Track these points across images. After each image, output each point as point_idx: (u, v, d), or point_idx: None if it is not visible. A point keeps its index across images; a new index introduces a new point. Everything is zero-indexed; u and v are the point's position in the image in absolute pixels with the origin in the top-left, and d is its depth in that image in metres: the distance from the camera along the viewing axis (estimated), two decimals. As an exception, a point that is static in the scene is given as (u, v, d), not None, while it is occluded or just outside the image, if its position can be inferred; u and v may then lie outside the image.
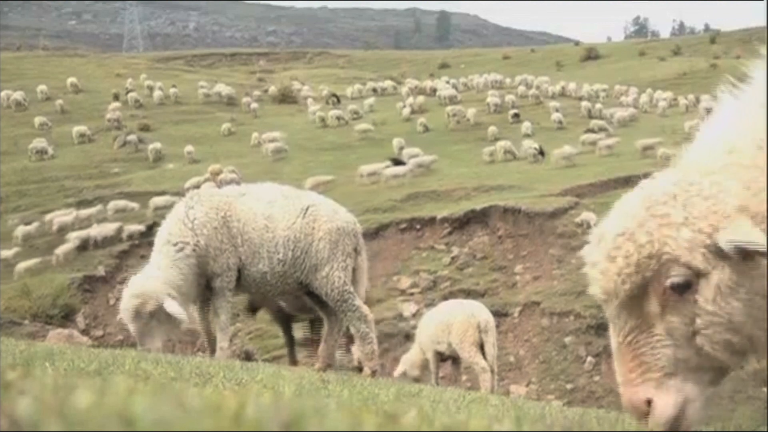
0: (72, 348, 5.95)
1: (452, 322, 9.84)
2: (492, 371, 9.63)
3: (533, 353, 20.17)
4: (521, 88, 51.79)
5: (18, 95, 47.65)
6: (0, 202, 32.75)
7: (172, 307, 6.88)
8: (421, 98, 49.81)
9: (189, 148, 37.79)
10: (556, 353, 19.88)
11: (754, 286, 2.41)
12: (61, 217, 28.93)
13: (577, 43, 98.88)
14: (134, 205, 29.60)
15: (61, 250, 25.94)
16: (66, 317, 22.59)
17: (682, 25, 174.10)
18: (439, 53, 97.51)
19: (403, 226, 25.48)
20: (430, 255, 24.47)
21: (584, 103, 45.83)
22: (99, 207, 29.66)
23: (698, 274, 2.40)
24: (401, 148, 36.38)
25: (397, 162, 33.52)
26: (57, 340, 12.72)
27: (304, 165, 35.09)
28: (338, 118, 45.03)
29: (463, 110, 43.61)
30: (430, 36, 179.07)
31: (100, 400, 1.01)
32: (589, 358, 19.42)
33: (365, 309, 7.47)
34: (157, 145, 38.81)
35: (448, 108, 44.39)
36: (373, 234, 24.12)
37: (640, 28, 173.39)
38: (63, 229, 27.98)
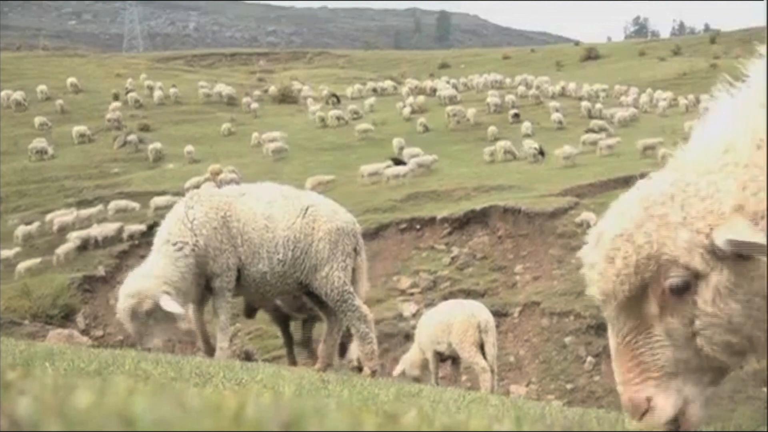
0: (72, 348, 5.95)
1: (452, 322, 9.84)
2: (492, 371, 9.63)
3: (533, 353, 20.17)
4: (521, 88, 51.77)
5: (18, 95, 47.65)
6: (0, 202, 32.75)
7: (169, 304, 6.86)
8: (421, 98, 49.81)
9: (189, 148, 37.80)
10: (556, 353, 19.88)
11: (753, 286, 2.41)
12: (61, 217, 28.94)
13: (577, 43, 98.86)
14: (135, 204, 29.61)
15: (61, 249, 25.95)
16: (66, 317, 22.60)
17: (682, 25, 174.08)
18: (439, 53, 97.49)
19: (403, 226, 25.48)
20: (430, 255, 24.47)
21: (584, 103, 45.83)
22: (99, 207, 29.66)
23: (697, 275, 2.39)
24: (401, 148, 36.38)
25: (398, 162, 33.53)
26: (57, 340, 12.73)
27: (304, 165, 35.09)
28: (338, 118, 45.04)
29: (463, 110, 43.61)
30: (430, 36, 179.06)
31: (100, 400, 1.01)
32: (589, 358, 19.42)
33: (365, 309, 7.47)
34: (157, 145, 38.82)
35: (448, 108, 44.39)
36: (373, 234, 24.12)
37: (640, 28, 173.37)
38: (63, 229, 27.99)
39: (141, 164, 37.76)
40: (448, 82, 55.92)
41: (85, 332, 20.80)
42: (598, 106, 45.96)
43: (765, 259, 2.36)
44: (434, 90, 53.13)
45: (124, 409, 0.97)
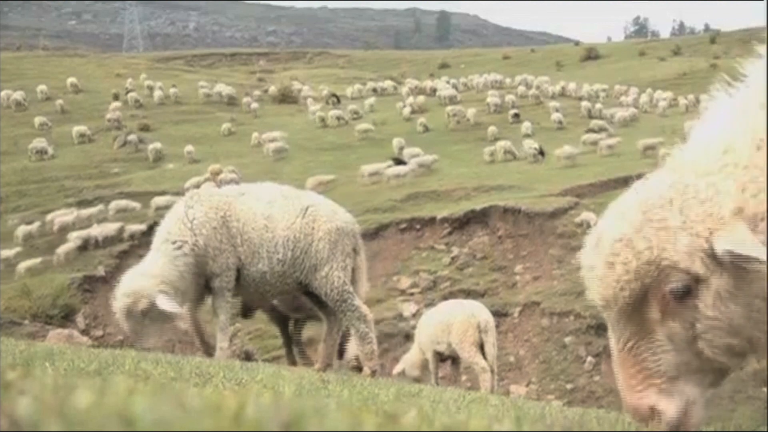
0: (72, 348, 5.95)
1: (452, 322, 9.84)
2: (492, 371, 9.63)
3: (533, 353, 20.17)
4: (521, 88, 51.78)
5: (18, 95, 47.66)
6: (0, 202, 32.75)
7: (165, 303, 6.84)
8: (421, 98, 49.82)
9: (189, 148, 37.80)
10: (556, 353, 19.87)
11: (753, 289, 2.40)
12: (62, 217, 28.94)
13: (577, 43, 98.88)
14: (136, 204, 29.61)
15: (62, 249, 25.96)
16: (66, 317, 22.59)
17: (682, 25, 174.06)
18: (439, 53, 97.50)
19: (403, 226, 25.48)
20: (430, 255, 24.46)
21: (584, 103, 45.83)
22: (100, 207, 29.67)
23: (697, 280, 2.38)
24: (401, 148, 36.39)
25: (399, 162, 33.54)
26: (57, 340, 12.73)
27: (304, 165, 35.09)
28: (338, 118, 45.04)
29: (463, 110, 43.61)
30: (430, 36, 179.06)
31: (100, 400, 1.01)
32: (589, 358, 19.41)
33: (365, 309, 7.47)
34: (157, 145, 38.82)
35: (448, 108, 44.39)
36: (373, 234, 24.11)
37: (640, 28, 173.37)
38: (64, 229, 27.99)
39: (141, 164, 37.77)
40: (448, 82, 55.93)
41: (85, 332, 20.80)
42: (598, 106, 45.96)
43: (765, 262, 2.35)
44: (434, 90, 53.13)
45: (124, 409, 0.97)
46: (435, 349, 10.14)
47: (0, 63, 54.02)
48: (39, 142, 39.08)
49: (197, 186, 23.73)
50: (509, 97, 47.06)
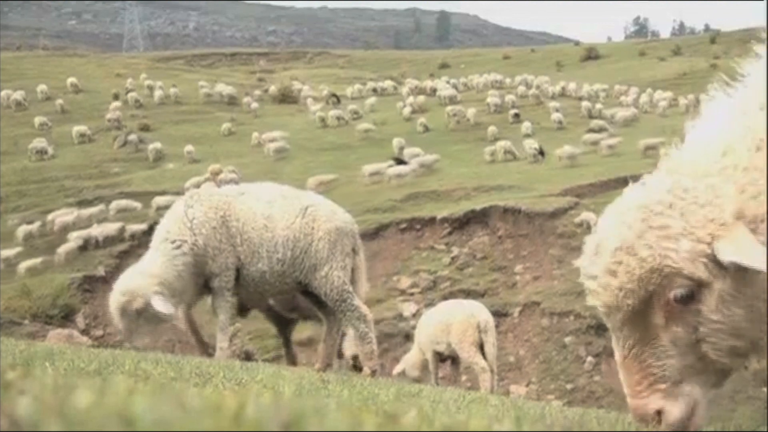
0: (72, 348, 5.95)
1: (452, 322, 9.84)
2: (492, 371, 9.62)
3: (533, 353, 20.17)
4: (521, 88, 51.78)
5: (18, 95, 47.66)
6: (0, 202, 32.75)
7: (160, 304, 6.85)
8: (421, 98, 49.82)
9: (189, 148, 37.81)
10: (556, 353, 19.87)
11: (755, 291, 2.40)
12: (62, 216, 28.95)
13: (577, 43, 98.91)
14: (137, 204, 29.62)
15: (62, 249, 25.97)
16: (66, 317, 22.59)
17: (682, 25, 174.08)
18: (439, 53, 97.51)
19: (403, 226, 25.48)
20: (430, 255, 24.46)
21: (584, 103, 45.83)
22: (101, 207, 29.68)
23: (700, 284, 2.37)
24: (401, 148, 36.40)
25: (400, 162, 33.55)
26: (57, 340, 12.74)
27: (305, 165, 35.09)
28: (338, 118, 45.05)
29: (463, 110, 43.61)
30: (430, 36, 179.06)
31: (100, 400, 1.01)
32: (589, 358, 19.41)
33: (364, 309, 7.47)
34: (158, 144, 38.83)
35: (448, 108, 44.39)
36: (373, 234, 24.11)
37: (640, 28, 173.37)
38: (65, 229, 27.99)
39: (141, 164, 37.77)
40: (448, 82, 55.93)
41: (85, 332, 20.81)
42: (598, 106, 45.96)
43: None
44: (434, 90, 53.13)
45: (124, 409, 0.97)
46: (434, 349, 10.14)
47: (0, 63, 54.01)
48: (39, 142, 39.08)
49: (197, 186, 23.71)
50: (509, 97, 47.05)
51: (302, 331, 11.99)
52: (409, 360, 10.82)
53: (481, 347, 9.71)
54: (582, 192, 26.58)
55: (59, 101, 47.26)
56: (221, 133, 43.20)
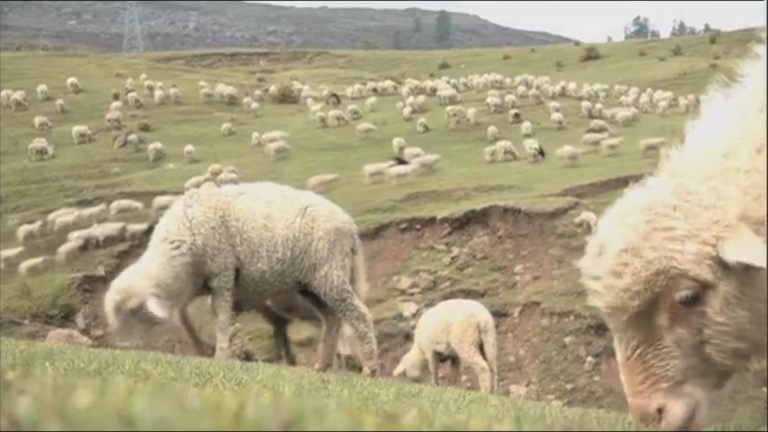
0: (72, 348, 5.95)
1: (451, 322, 9.84)
2: (491, 371, 9.63)
3: (533, 353, 20.17)
4: (521, 88, 51.77)
5: (18, 95, 47.66)
6: (0, 202, 32.75)
7: (154, 307, 6.86)
8: (421, 98, 49.83)
9: (189, 147, 37.81)
10: (556, 353, 19.87)
11: (759, 293, 2.40)
12: (63, 216, 28.96)
13: (577, 43, 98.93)
14: (138, 204, 29.63)
15: (63, 249, 25.98)
16: (66, 317, 22.59)
17: (682, 25, 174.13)
18: (439, 53, 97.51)
19: (403, 226, 25.47)
20: (430, 255, 24.46)
21: (584, 103, 45.84)
22: (101, 206, 29.69)
23: (705, 286, 2.38)
24: (401, 148, 36.40)
25: (401, 161, 33.57)
26: (57, 340, 12.73)
27: (305, 165, 35.09)
28: (338, 118, 45.05)
29: (463, 110, 43.61)
30: (430, 36, 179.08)
31: (100, 400, 1.01)
32: (589, 358, 19.41)
33: (364, 308, 7.47)
34: (158, 144, 38.83)
35: (448, 108, 44.39)
36: (373, 234, 24.12)
37: (641, 28, 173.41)
38: (65, 229, 28.00)
39: (141, 164, 37.77)
40: (448, 82, 55.93)
41: (85, 332, 20.80)
42: (599, 106, 45.97)
43: None
44: (434, 90, 53.13)
45: (124, 409, 0.97)
46: (434, 349, 10.14)
47: (0, 63, 54.01)
48: (39, 142, 39.08)
49: (197, 186, 23.70)
50: (509, 97, 47.05)
51: (301, 331, 12.00)
52: (409, 360, 10.82)
53: (480, 347, 9.71)
54: (582, 192, 26.58)
55: (59, 101, 47.26)
56: (221, 133, 43.20)
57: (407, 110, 46.23)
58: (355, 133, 41.62)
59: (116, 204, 29.59)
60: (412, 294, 22.94)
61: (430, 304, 17.71)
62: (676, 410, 2.43)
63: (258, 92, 55.20)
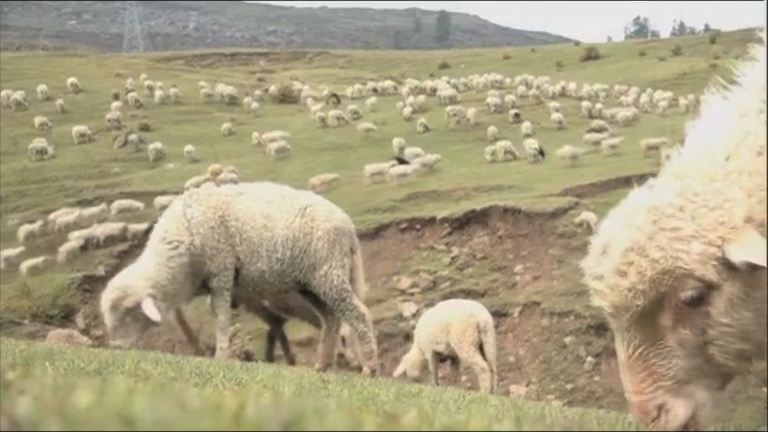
0: (72, 348, 5.95)
1: (451, 322, 9.83)
2: (491, 371, 9.62)
3: (533, 353, 20.17)
4: (521, 88, 51.76)
5: (18, 95, 47.65)
6: (0, 202, 32.75)
7: (149, 308, 6.87)
8: (421, 98, 49.82)
9: (189, 147, 37.81)
10: (556, 353, 19.87)
11: (762, 294, 2.41)
12: (64, 216, 28.96)
13: (577, 43, 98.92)
14: (139, 204, 29.63)
15: (64, 248, 25.99)
16: (66, 317, 22.59)
17: (682, 25, 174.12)
18: (439, 53, 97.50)
19: (403, 226, 25.47)
20: (430, 255, 24.46)
21: (584, 103, 45.83)
22: (102, 206, 29.70)
23: (710, 287, 2.38)
24: (401, 148, 36.41)
25: (402, 161, 33.58)
26: (57, 340, 12.71)
27: (305, 165, 35.09)
28: (338, 118, 45.05)
29: (463, 110, 43.60)
30: (430, 36, 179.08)
31: (100, 400, 1.01)
32: (589, 358, 19.41)
33: (363, 308, 7.47)
34: (158, 144, 38.83)
35: (448, 108, 44.39)
36: (373, 234, 24.12)
37: (641, 28, 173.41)
38: (66, 229, 28.01)
39: (141, 164, 37.77)
40: (448, 82, 55.92)
41: (85, 332, 20.78)
42: (599, 106, 45.97)
43: None
44: (434, 90, 53.12)
45: (124, 409, 0.97)
46: (434, 349, 10.14)
47: (0, 63, 54.01)
48: (39, 142, 39.07)
49: (197, 186, 23.69)
50: (509, 97, 47.04)
51: (301, 331, 12.01)
52: (409, 360, 10.82)
53: (480, 347, 9.71)
54: (582, 192, 26.58)
55: (59, 101, 47.26)
56: (221, 133, 43.20)
57: (407, 110, 46.22)
58: (355, 133, 41.62)
59: (117, 204, 29.60)
60: (412, 294, 22.94)
61: (430, 304, 17.71)
62: (678, 409, 2.43)
63: (258, 92, 55.19)
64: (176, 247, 7.17)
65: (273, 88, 56.22)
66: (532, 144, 35.20)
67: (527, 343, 20.50)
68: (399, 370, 10.95)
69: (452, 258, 24.16)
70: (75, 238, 26.47)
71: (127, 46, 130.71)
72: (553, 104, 45.18)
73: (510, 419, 1.82)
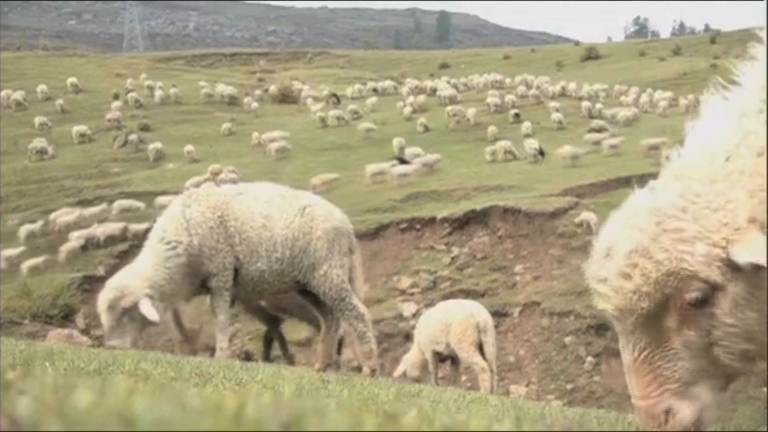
0: (72, 348, 5.95)
1: (451, 322, 9.83)
2: (491, 371, 9.62)
3: (533, 353, 20.16)
4: (521, 88, 51.75)
5: (18, 95, 47.65)
6: (0, 202, 32.75)
7: (147, 308, 6.87)
8: (421, 98, 49.82)
9: (189, 147, 37.81)
10: (556, 353, 19.87)
11: (766, 294, 2.41)
12: (64, 216, 28.96)
13: (577, 43, 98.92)
14: (140, 204, 29.63)
15: (65, 248, 25.99)
16: (66, 317, 22.58)
17: (682, 25, 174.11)
18: (439, 53, 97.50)
19: (403, 226, 25.47)
20: (430, 255, 24.46)
21: (584, 103, 45.83)
22: (102, 206, 29.70)
23: (715, 288, 2.38)
24: (401, 148, 36.41)
25: (402, 161, 33.58)
26: (57, 340, 12.71)
27: (305, 165, 35.09)
28: (338, 118, 45.05)
29: (463, 110, 43.59)
30: (430, 36, 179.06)
31: (100, 400, 1.01)
32: (589, 358, 19.41)
33: (362, 308, 7.48)
34: (158, 144, 38.83)
35: (449, 108, 44.38)
36: (373, 234, 24.12)
37: (641, 28, 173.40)
38: (66, 229, 28.01)
39: (141, 164, 37.77)
40: (448, 82, 55.91)
41: (85, 332, 20.76)
42: (599, 106, 45.96)
43: None
44: (434, 90, 53.11)
45: (124, 409, 0.97)
46: (434, 349, 10.13)
47: (0, 63, 54.01)
48: (39, 142, 39.06)
49: (197, 186, 23.70)
50: (509, 97, 47.03)
51: (300, 331, 12.00)
52: (409, 360, 10.81)
53: (480, 347, 9.71)
54: (582, 192, 26.58)
55: (59, 101, 47.25)
56: (221, 133, 43.20)
57: (407, 110, 46.22)
58: (356, 133, 41.61)
59: (118, 204, 29.61)
60: (412, 294, 22.94)
61: (430, 304, 17.70)
62: (685, 412, 2.43)
63: (258, 92, 55.18)
64: (174, 248, 7.16)
65: (273, 88, 56.22)
66: (532, 144, 35.19)
67: (527, 343, 20.50)
68: (399, 370, 10.94)
69: (452, 258, 24.16)
70: (75, 238, 26.47)
71: (127, 46, 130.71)
72: (553, 104, 45.18)
73: (510, 419, 1.82)
